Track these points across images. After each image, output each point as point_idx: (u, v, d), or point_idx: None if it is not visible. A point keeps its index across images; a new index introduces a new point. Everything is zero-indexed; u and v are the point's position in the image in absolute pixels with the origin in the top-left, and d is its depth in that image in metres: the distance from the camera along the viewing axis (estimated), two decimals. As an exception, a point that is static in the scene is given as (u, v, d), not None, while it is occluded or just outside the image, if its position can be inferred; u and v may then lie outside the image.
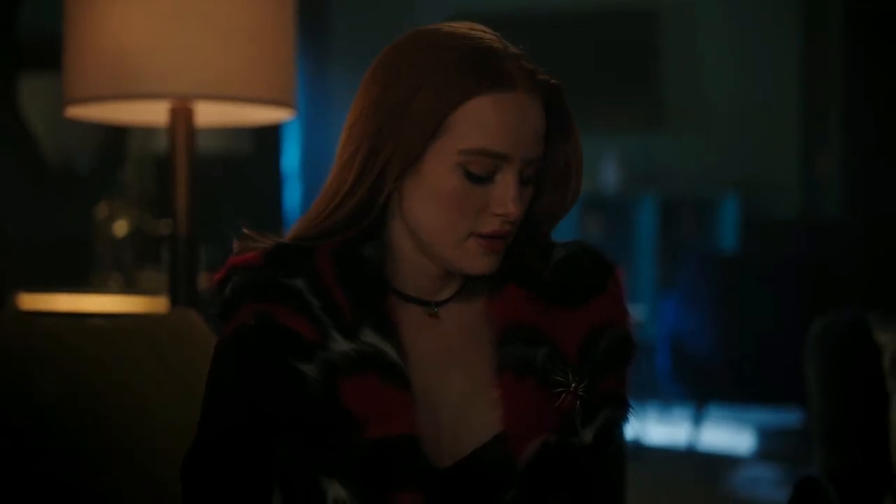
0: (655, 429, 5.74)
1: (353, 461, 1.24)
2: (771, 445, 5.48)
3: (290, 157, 5.89)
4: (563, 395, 1.30)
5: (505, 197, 1.28)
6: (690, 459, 5.28)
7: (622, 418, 1.36)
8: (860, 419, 2.34)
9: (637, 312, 6.22)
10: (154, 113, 2.23)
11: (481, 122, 1.26)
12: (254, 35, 2.05)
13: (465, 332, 1.34)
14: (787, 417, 5.68)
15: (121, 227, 3.57)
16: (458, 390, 1.31)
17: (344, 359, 1.27)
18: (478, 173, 1.27)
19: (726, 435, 5.64)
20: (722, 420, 5.80)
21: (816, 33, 6.25)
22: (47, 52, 3.13)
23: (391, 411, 1.26)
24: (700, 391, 5.44)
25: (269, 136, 4.96)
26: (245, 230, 1.34)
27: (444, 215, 1.28)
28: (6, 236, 3.95)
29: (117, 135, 4.04)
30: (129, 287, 3.38)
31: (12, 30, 3.98)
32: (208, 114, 2.24)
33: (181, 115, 2.15)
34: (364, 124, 1.30)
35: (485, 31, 1.31)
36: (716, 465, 5.11)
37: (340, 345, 1.28)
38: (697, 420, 5.47)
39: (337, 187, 1.32)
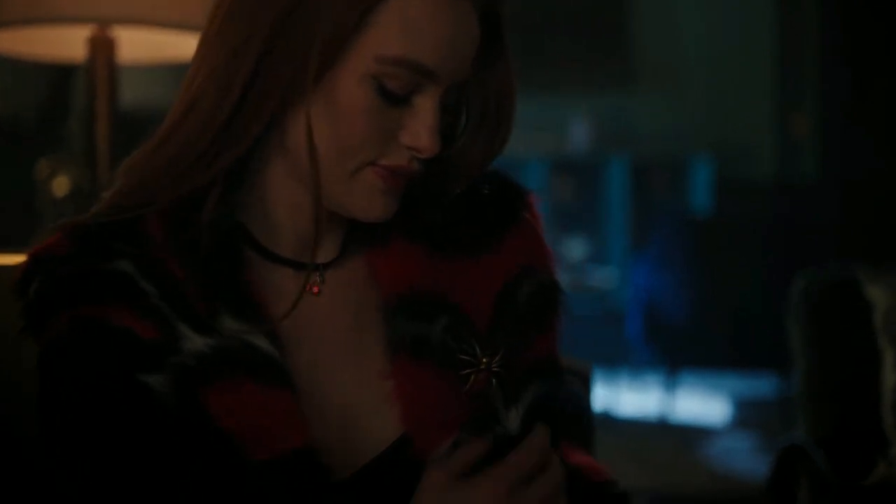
0: (626, 397, 5.66)
1: (236, 495, 0.96)
2: (746, 414, 5.42)
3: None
4: (473, 377, 1.03)
5: (421, 126, 0.99)
6: (663, 429, 5.21)
7: (556, 389, 1.08)
8: (849, 380, 2.24)
9: (608, 276, 6.15)
10: (72, 45, 2.02)
11: (409, 24, 0.97)
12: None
13: (350, 306, 1.06)
14: (761, 385, 5.62)
15: (61, 186, 3.39)
16: (345, 383, 1.04)
17: (202, 360, 0.97)
18: (394, 90, 0.98)
19: (700, 403, 5.57)
20: (695, 387, 5.73)
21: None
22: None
23: (276, 421, 0.97)
24: (673, 357, 5.38)
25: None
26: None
27: (343, 139, 0.99)
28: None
29: (63, 87, 3.86)
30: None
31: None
32: (132, 45, 2.04)
33: (100, 45, 1.94)
34: (243, 23, 0.98)
35: None
36: (689, 434, 5.03)
37: (193, 342, 0.97)
38: (670, 387, 5.39)
39: (204, 120, 0.98)
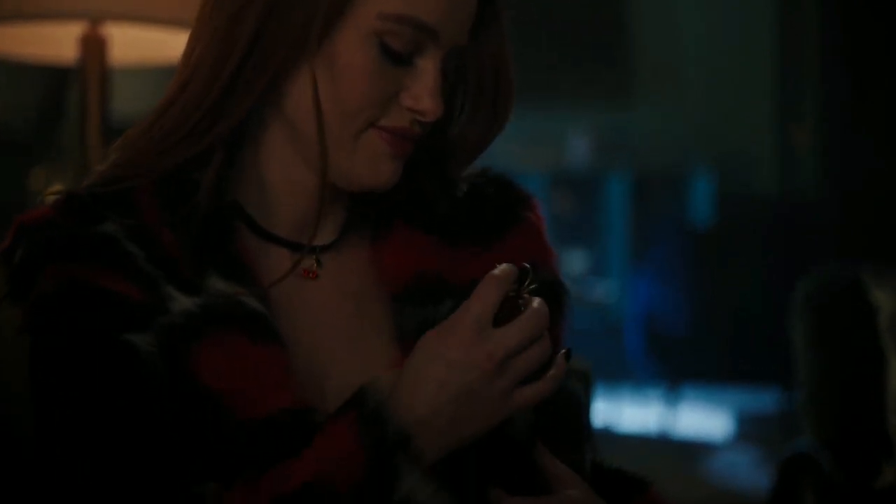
0: (627, 412, 5.63)
1: (225, 457, 0.94)
2: (748, 428, 5.39)
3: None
4: None
5: (423, 88, 0.98)
6: (664, 444, 5.18)
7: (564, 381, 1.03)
8: (853, 384, 2.22)
9: (608, 290, 6.13)
10: (63, 45, 1.98)
11: None
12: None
13: (351, 293, 1.04)
14: (763, 399, 5.59)
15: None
16: (346, 371, 1.01)
17: (190, 319, 0.96)
18: (397, 49, 0.98)
19: (701, 417, 5.54)
20: (696, 402, 5.71)
21: (792, 1, 6.17)
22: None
23: (266, 378, 0.95)
24: (673, 371, 5.36)
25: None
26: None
27: (345, 99, 0.98)
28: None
29: (58, 94, 3.84)
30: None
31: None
32: (125, 45, 2.00)
33: (92, 44, 1.91)
34: None
35: None
36: (691, 449, 5.02)
37: (181, 302, 0.96)
38: (671, 402, 5.36)
39: (203, 88, 0.98)
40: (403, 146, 1.00)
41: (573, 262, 6.31)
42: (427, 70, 0.99)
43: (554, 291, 1.08)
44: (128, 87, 3.22)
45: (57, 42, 2.00)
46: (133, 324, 0.95)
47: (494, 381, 0.92)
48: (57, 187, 3.02)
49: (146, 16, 1.83)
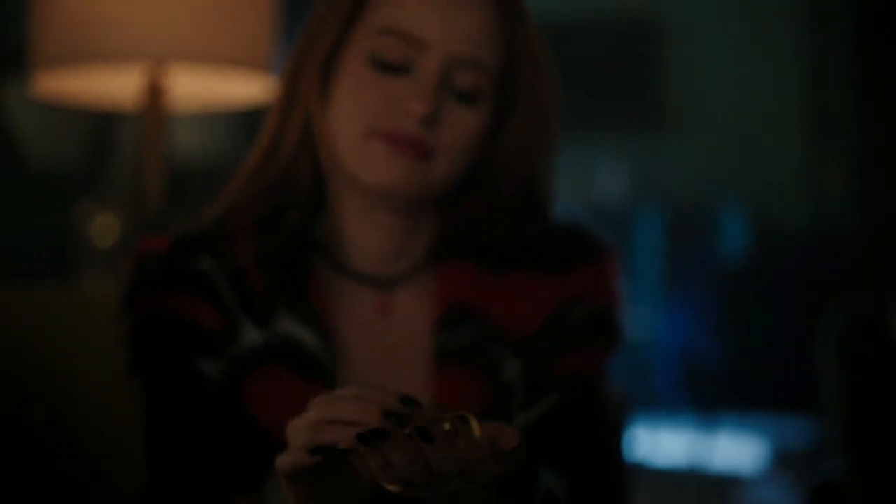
0: (660, 444, 5.63)
1: (259, 475, 0.98)
2: (782, 460, 5.37)
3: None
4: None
5: (412, 91, 1.08)
6: (697, 476, 5.16)
7: (584, 403, 1.12)
8: (881, 417, 2.23)
9: (640, 326, 6.11)
10: (123, 88, 2.05)
11: None
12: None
13: (415, 323, 1.13)
14: (796, 431, 5.57)
15: (105, 227, 3.41)
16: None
17: (253, 353, 1.07)
18: (390, 61, 1.09)
19: (735, 450, 5.53)
20: (730, 437, 5.70)
21: (822, 34, 6.18)
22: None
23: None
24: (707, 404, 5.34)
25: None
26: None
27: (346, 109, 1.10)
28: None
29: (105, 128, 3.91)
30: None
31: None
32: (184, 87, 2.06)
33: (153, 88, 1.97)
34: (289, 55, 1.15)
35: None
36: (724, 482, 5.00)
37: (251, 337, 1.08)
38: (704, 434, 5.35)
39: (268, 134, 1.14)
40: (402, 148, 1.09)
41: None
42: (417, 75, 1.09)
43: (599, 321, 1.15)
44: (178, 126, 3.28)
45: (116, 88, 2.06)
46: (205, 351, 1.07)
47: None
48: (107, 216, 3.01)
49: (206, 55, 1.88)
